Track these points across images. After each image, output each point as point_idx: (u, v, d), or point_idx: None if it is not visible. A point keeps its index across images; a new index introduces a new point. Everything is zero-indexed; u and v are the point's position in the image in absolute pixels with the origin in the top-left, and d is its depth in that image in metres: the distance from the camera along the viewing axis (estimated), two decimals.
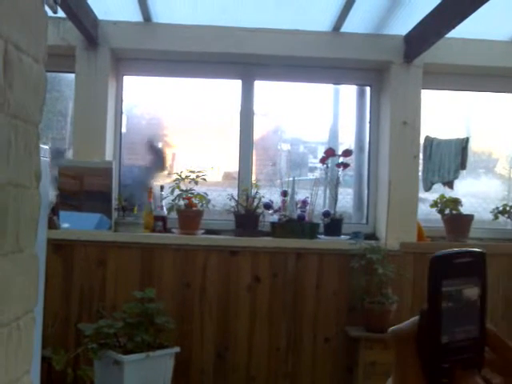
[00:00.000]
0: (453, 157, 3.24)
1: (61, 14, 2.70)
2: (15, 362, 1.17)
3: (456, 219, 3.24)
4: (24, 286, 1.23)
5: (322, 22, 3.20)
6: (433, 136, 3.45)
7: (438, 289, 0.50)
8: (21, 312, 1.20)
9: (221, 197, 3.45)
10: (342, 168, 3.32)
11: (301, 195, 3.36)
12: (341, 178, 3.35)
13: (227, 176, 3.66)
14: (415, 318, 0.53)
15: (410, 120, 3.26)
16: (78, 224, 3.16)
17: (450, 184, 3.27)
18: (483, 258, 0.52)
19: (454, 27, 2.71)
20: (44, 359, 2.22)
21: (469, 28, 2.84)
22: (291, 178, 3.40)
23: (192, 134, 3.66)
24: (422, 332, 0.51)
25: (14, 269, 1.17)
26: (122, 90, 3.51)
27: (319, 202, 3.40)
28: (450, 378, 0.50)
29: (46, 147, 1.91)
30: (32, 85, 1.28)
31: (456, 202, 3.24)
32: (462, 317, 0.51)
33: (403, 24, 3.14)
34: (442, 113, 3.61)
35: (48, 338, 2.68)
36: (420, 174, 3.39)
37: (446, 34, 2.83)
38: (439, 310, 0.50)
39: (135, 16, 3.21)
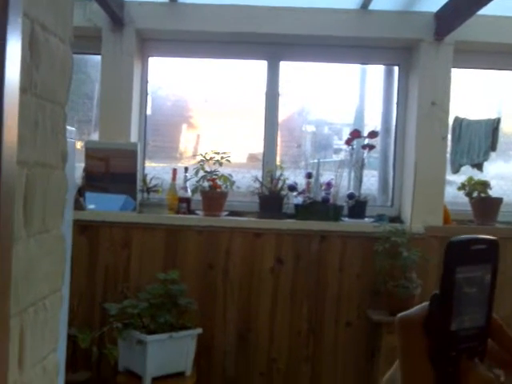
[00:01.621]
0: (483, 138, 3.15)
1: None
2: (42, 340, 1.19)
3: (484, 202, 3.16)
4: (50, 266, 1.24)
5: None
6: (462, 116, 3.36)
7: (452, 275, 0.49)
8: (47, 291, 1.22)
9: (245, 178, 3.44)
10: (367, 150, 3.27)
11: (325, 177, 3.33)
12: (366, 160, 3.31)
13: (251, 158, 3.64)
14: (425, 304, 0.52)
15: (438, 100, 3.17)
16: (103, 205, 3.19)
17: (479, 166, 3.19)
18: (497, 246, 0.52)
19: (486, 3, 2.62)
20: (69, 337, 2.26)
21: (501, 5, 2.74)
22: (316, 160, 3.36)
23: (217, 116, 3.64)
24: (432, 318, 0.51)
25: (41, 249, 1.18)
26: (147, 71, 3.50)
27: (343, 184, 3.37)
28: (455, 367, 0.50)
29: (73, 129, 1.92)
30: (58, 65, 1.27)
31: (484, 184, 3.15)
32: (472, 304, 0.51)
33: (434, 0, 3.04)
34: (472, 92, 3.51)
35: (74, 316, 2.73)
36: (448, 155, 3.31)
37: (477, 10, 2.74)
38: (452, 296, 0.49)
39: None
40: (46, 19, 1.20)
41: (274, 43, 3.40)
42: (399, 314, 0.53)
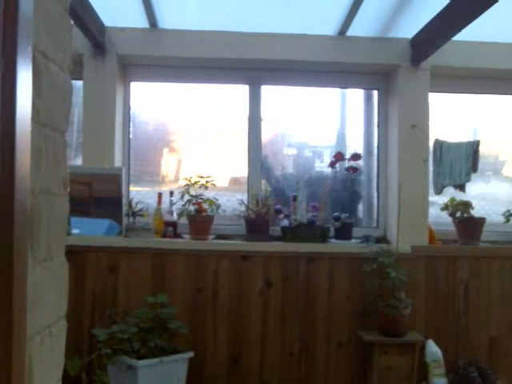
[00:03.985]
0: (464, 160, 3.25)
1: None
2: (49, 369, 1.17)
3: (468, 222, 3.23)
4: (55, 293, 1.23)
5: (327, 26, 3.21)
6: (442, 139, 3.45)
7: None
8: (53, 319, 1.20)
9: (230, 202, 3.45)
10: (351, 172, 3.32)
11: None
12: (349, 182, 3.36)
13: (234, 181, 3.66)
14: None
15: (418, 123, 3.26)
16: (87, 230, 3.15)
17: (461, 187, 3.28)
18: None
19: (460, 30, 2.72)
20: None
21: (476, 30, 2.85)
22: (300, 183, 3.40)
23: (199, 140, 3.66)
24: None
25: (46, 277, 1.17)
26: (129, 96, 3.51)
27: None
28: None
29: None
30: (59, 93, 1.28)
31: (467, 204, 3.23)
32: None
33: (409, 27, 3.15)
34: (450, 116, 3.61)
35: None
36: (430, 177, 3.38)
37: (452, 36, 2.84)
38: None
39: (142, 22, 3.23)
40: (47, 47, 1.21)
41: (255, 68, 3.46)
42: None
